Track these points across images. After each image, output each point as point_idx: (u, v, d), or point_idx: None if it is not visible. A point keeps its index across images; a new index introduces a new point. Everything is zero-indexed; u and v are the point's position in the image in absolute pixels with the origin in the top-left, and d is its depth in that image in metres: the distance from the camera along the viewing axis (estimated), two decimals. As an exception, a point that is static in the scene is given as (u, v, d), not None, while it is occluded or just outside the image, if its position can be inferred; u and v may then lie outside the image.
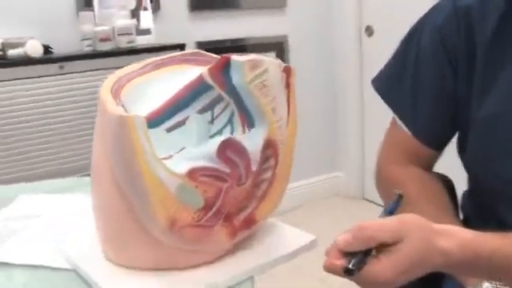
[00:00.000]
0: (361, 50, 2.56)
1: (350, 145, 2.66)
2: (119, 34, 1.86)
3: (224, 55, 0.57)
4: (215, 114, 0.61)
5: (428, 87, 0.80)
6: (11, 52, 1.66)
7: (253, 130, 0.60)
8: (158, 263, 0.60)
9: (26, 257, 0.67)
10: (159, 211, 0.52)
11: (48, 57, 1.76)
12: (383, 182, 0.88)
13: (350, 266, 0.50)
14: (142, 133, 0.50)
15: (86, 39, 1.84)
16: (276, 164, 0.62)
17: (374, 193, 0.96)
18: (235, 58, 0.56)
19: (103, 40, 1.82)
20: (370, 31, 2.51)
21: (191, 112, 0.60)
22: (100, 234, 0.63)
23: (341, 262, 0.51)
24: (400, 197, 0.60)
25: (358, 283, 0.53)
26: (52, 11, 1.93)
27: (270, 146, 0.61)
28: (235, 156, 0.57)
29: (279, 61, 0.60)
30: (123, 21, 1.88)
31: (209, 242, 0.57)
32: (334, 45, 2.61)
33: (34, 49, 1.68)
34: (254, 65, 0.56)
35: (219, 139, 0.56)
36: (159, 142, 0.57)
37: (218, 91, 0.60)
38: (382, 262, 0.51)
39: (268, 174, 0.62)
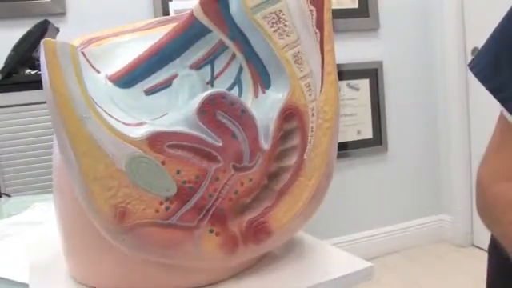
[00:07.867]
0: (467, 77, 2.23)
1: (455, 182, 2.30)
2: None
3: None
4: (216, 71, 0.43)
5: None
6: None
7: (268, 92, 0.41)
8: (126, 283, 0.41)
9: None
10: (99, 195, 0.34)
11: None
12: (489, 205, 0.63)
13: None
14: (70, 69, 0.33)
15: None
16: (304, 145, 0.41)
17: (485, 239, 0.69)
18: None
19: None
20: (478, 53, 2.18)
21: (180, 67, 0.42)
22: (62, 246, 0.46)
23: None
24: None
25: None
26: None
27: (293, 116, 0.40)
28: (232, 122, 0.37)
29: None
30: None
31: (187, 253, 0.37)
32: (436, 71, 2.32)
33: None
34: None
35: (204, 93, 0.36)
36: (131, 107, 0.40)
37: (219, 35, 0.41)
38: None
39: (291, 160, 0.41)
